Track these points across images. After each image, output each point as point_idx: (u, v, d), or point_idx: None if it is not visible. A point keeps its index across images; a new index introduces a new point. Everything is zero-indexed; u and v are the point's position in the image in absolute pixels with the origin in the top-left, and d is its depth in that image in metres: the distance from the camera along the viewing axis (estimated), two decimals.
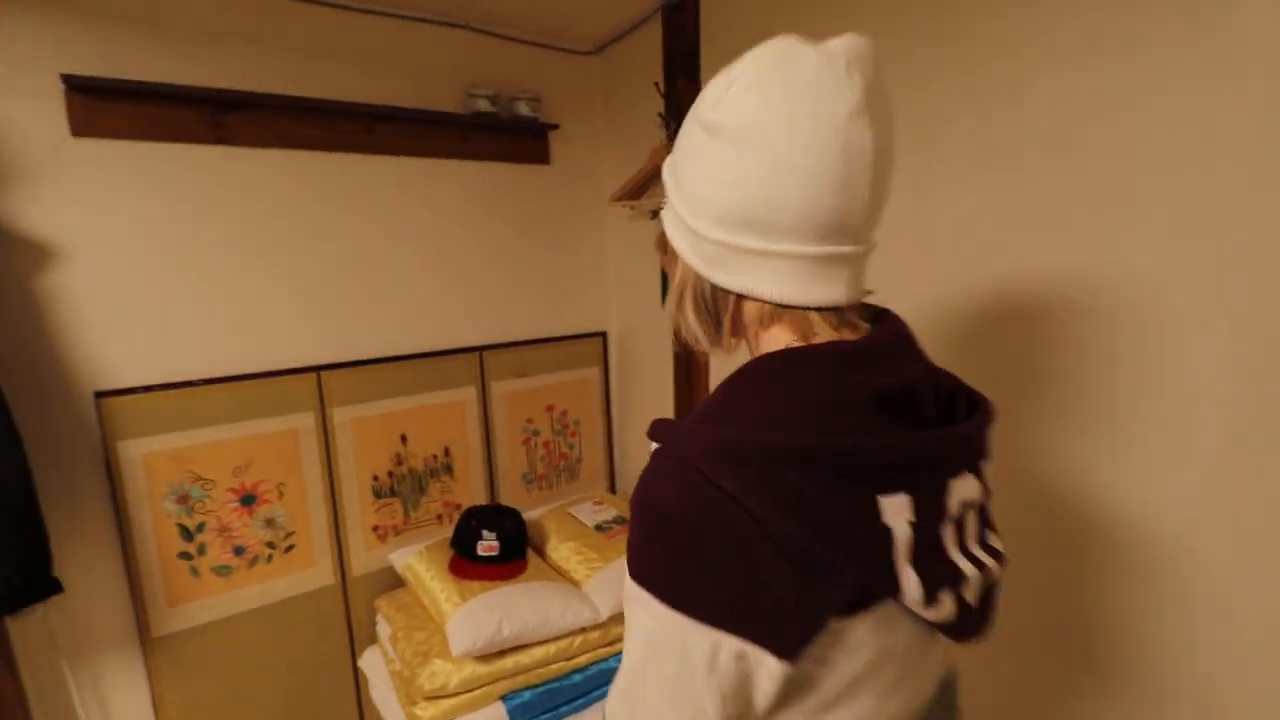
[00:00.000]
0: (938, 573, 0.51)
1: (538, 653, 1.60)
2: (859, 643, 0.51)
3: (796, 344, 0.56)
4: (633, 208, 1.80)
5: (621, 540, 1.92)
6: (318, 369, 1.80)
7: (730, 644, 0.47)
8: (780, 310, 0.56)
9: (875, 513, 0.48)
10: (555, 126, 2.13)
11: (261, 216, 1.71)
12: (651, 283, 2.15)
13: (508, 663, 1.56)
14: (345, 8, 1.77)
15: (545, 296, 2.24)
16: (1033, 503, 1.14)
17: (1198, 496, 0.96)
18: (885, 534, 0.48)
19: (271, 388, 1.74)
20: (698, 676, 0.48)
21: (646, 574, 0.50)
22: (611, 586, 1.73)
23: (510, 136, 2.09)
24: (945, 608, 0.52)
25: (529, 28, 2.04)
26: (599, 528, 2.01)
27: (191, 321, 1.64)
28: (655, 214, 1.74)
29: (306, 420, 1.79)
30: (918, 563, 0.49)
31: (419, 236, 1.97)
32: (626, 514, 1.94)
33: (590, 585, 1.76)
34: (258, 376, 1.72)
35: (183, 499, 1.63)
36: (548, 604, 1.63)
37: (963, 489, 0.54)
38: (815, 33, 0.54)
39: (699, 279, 0.60)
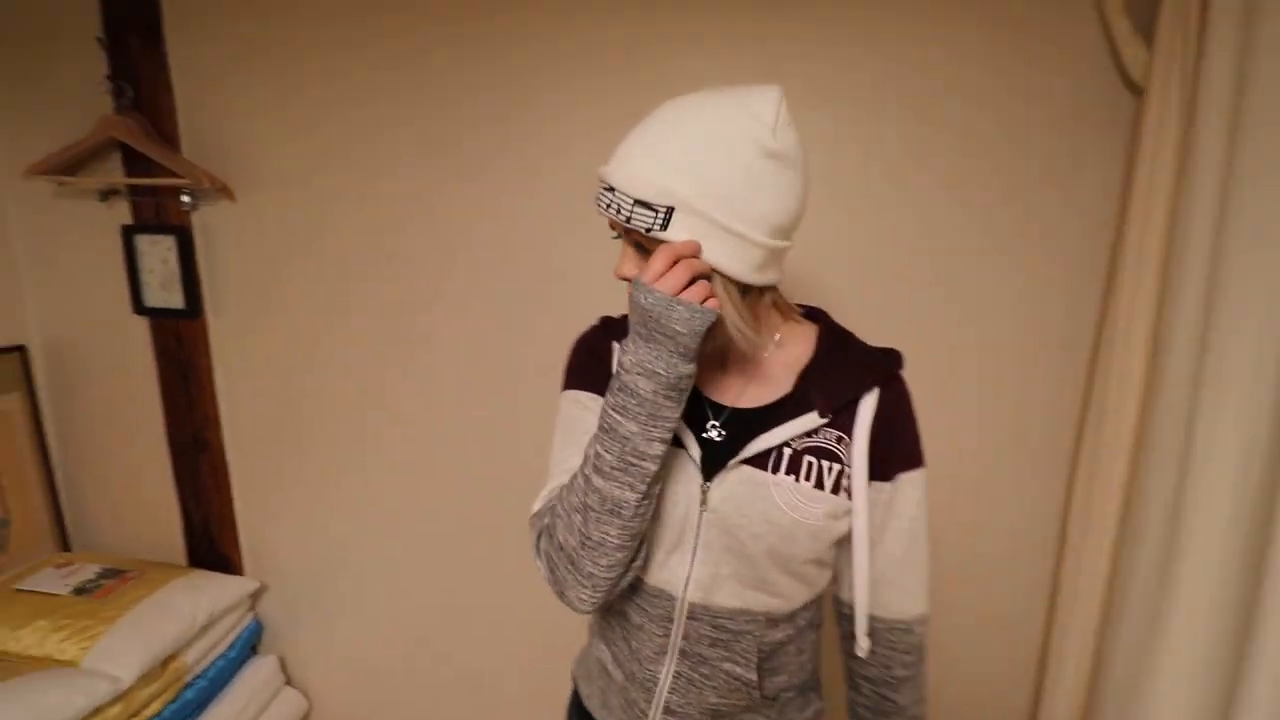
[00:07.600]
0: None
1: None
2: None
3: (787, 317, 0.79)
4: (63, 183, 1.53)
5: (120, 593, 1.50)
6: None
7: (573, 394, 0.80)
8: (768, 293, 0.73)
9: None
10: None
11: None
12: (111, 280, 1.62)
13: None
14: None
15: None
16: None
17: None
18: None
19: None
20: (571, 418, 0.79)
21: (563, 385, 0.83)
22: (129, 644, 1.37)
23: None
24: None
25: None
26: (80, 590, 1.51)
27: None
28: (106, 195, 1.50)
29: None
30: None
31: None
32: (111, 564, 1.61)
33: (94, 656, 1.34)
34: None
35: None
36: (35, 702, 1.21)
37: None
38: None
39: (729, 286, 0.66)
